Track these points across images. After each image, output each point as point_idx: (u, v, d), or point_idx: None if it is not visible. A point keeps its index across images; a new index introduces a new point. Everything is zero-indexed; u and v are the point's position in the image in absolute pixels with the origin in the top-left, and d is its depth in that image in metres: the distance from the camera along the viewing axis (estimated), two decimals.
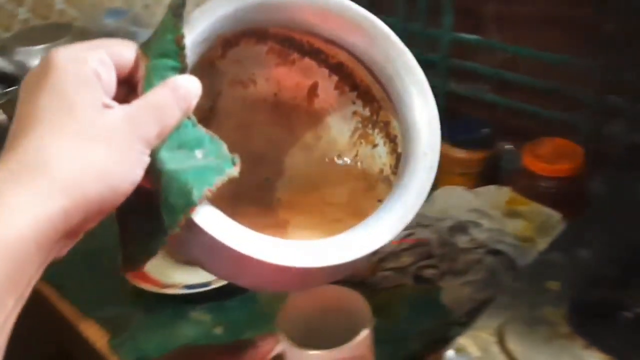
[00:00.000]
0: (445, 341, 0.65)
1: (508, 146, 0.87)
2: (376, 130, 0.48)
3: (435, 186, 0.87)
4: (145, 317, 0.70)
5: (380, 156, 0.48)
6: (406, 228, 0.76)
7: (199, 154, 0.32)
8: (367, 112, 0.48)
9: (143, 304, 0.71)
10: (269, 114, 0.49)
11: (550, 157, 0.74)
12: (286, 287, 0.46)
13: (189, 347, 0.44)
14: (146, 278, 0.72)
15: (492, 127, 0.83)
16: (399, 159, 0.45)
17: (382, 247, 0.37)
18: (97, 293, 0.74)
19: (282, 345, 0.44)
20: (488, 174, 0.84)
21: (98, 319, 0.70)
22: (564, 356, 0.45)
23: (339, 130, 0.50)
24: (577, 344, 0.46)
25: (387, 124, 0.47)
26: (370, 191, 0.48)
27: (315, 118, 0.50)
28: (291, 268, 0.33)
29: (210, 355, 0.43)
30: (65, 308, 0.73)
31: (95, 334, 0.69)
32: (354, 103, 0.49)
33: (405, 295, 0.71)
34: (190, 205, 0.31)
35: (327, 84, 0.49)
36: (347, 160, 0.50)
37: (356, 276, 0.71)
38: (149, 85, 0.32)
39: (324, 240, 0.37)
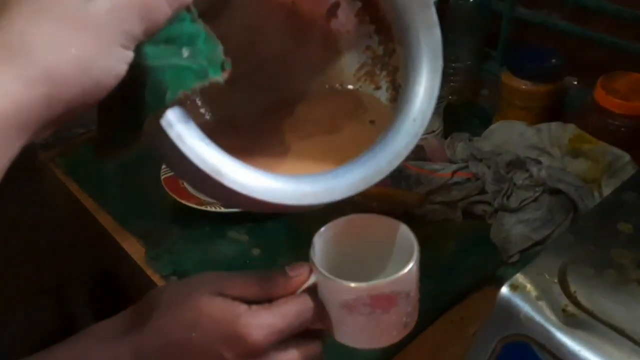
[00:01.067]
0: (492, 280, 0.62)
1: (575, 81, 0.81)
2: (384, 73, 0.45)
3: (492, 119, 0.82)
4: (183, 233, 0.69)
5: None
6: (460, 161, 0.71)
7: (185, 52, 0.30)
8: (380, 50, 0.45)
9: (181, 220, 0.70)
10: (283, 21, 0.45)
11: (626, 93, 0.68)
12: (241, 207, 0.44)
13: (219, 273, 0.41)
14: (186, 194, 0.70)
15: (560, 58, 0.76)
16: None
17: (331, 202, 0.36)
18: (135, 206, 0.74)
19: (315, 276, 0.40)
20: (552, 110, 0.78)
21: (136, 232, 0.70)
22: (633, 303, 0.41)
23: (349, 59, 0.46)
24: None
25: (396, 69, 0.44)
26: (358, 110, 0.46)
27: (328, 39, 0.46)
28: (239, 192, 0.33)
29: (240, 284, 0.40)
30: (104, 219, 0.73)
31: (132, 247, 0.68)
32: (370, 37, 0.45)
33: (453, 231, 0.67)
34: (160, 106, 0.30)
35: (348, 8, 0.45)
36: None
37: (402, 207, 0.67)
38: None
39: (282, 175, 0.35)
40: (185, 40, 0.30)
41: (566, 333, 0.40)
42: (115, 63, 0.27)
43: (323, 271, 0.39)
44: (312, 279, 0.40)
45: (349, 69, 0.47)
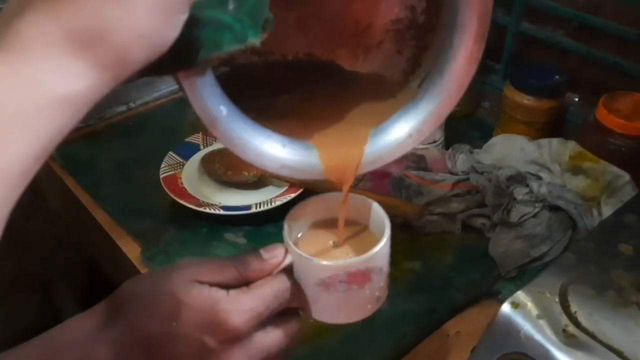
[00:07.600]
0: (489, 295, 0.62)
1: (577, 97, 0.81)
2: (412, 43, 0.43)
3: (493, 132, 0.82)
4: (179, 234, 0.68)
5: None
6: (460, 173, 0.70)
7: (231, 4, 0.30)
8: (421, 19, 0.42)
9: (179, 220, 0.69)
10: None
11: (627, 113, 0.68)
12: None
13: (194, 260, 0.41)
14: (184, 194, 0.69)
15: (563, 75, 0.77)
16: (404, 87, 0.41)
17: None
18: (133, 204, 0.73)
19: (291, 257, 0.40)
20: (553, 126, 0.78)
21: (132, 230, 0.69)
22: (633, 325, 0.42)
23: (387, 7, 0.43)
24: None
25: (425, 49, 0.41)
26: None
27: None
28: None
29: (216, 270, 0.39)
30: (100, 216, 0.72)
31: (127, 245, 0.68)
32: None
33: (451, 243, 0.67)
34: (190, 64, 0.30)
35: None
36: (369, 45, 0.44)
37: (401, 218, 0.67)
38: None
39: (278, 138, 0.37)
40: None
41: (566, 353, 0.40)
42: (176, 30, 0.27)
43: (299, 251, 0.39)
44: (287, 260, 0.40)
45: (383, 16, 0.44)
